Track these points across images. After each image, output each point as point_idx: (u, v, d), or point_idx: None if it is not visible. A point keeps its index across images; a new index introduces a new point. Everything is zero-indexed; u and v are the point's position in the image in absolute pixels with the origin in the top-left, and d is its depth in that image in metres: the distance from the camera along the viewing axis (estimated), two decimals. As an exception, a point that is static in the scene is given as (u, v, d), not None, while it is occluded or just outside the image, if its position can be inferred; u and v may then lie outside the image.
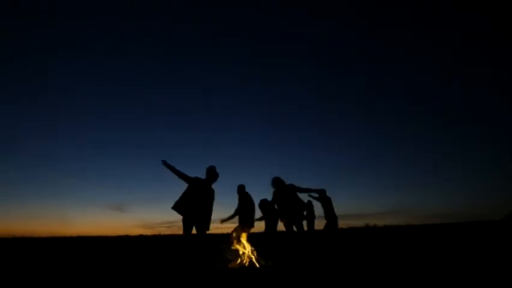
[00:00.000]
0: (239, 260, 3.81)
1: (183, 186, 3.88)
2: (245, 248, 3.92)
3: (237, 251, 3.91)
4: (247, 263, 3.73)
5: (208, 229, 3.74)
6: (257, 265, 3.68)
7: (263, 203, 5.80)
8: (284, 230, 5.01)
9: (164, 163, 3.80)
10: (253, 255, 3.85)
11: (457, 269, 2.95)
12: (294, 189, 4.85)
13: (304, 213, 5.49)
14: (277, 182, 4.90)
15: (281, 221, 5.12)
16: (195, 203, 3.67)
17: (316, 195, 6.47)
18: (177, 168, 3.85)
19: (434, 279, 2.50)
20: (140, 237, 21.84)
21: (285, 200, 4.75)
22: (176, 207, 3.72)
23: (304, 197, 5.41)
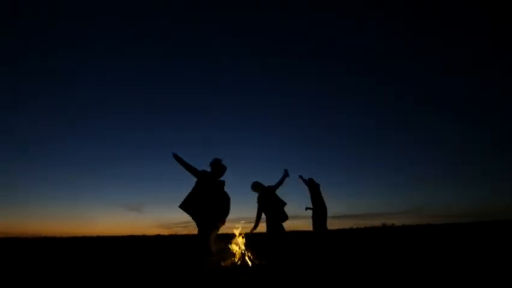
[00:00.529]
0: (232, 259, 3.85)
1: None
2: (239, 247, 3.93)
3: (231, 249, 3.96)
4: (239, 262, 3.76)
5: (216, 227, 3.66)
6: (250, 264, 3.67)
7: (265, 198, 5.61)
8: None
9: (175, 156, 3.82)
10: (247, 253, 3.85)
11: (473, 269, 2.86)
12: (272, 189, 4.93)
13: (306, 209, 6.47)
14: (258, 186, 4.88)
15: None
16: (203, 200, 3.59)
17: (305, 178, 6.60)
18: (188, 162, 3.85)
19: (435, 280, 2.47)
20: (157, 237, 24.60)
21: (270, 203, 4.81)
22: (184, 206, 3.67)
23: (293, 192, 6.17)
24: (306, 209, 7.30)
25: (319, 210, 6.53)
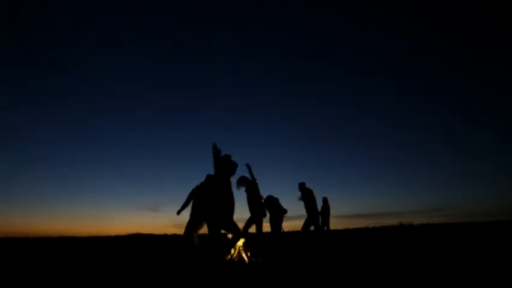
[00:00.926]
0: (229, 256, 3.87)
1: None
2: (237, 245, 3.92)
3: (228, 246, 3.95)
4: (236, 258, 3.79)
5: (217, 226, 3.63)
6: (246, 260, 3.69)
7: (269, 200, 5.85)
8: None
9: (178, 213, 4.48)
10: (244, 250, 3.84)
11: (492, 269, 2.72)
12: (255, 184, 4.96)
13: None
14: (245, 180, 4.92)
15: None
16: (217, 203, 3.61)
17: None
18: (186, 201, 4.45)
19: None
20: (173, 236, 25.19)
21: (255, 198, 4.82)
22: (202, 216, 4.00)
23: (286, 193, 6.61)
24: (299, 199, 7.37)
25: (312, 216, 6.72)
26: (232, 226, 3.64)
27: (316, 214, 6.98)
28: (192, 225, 4.44)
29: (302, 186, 7.12)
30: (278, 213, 5.89)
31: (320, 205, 9.15)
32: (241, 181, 4.86)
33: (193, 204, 4.52)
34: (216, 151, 3.75)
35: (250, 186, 4.94)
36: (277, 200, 6.04)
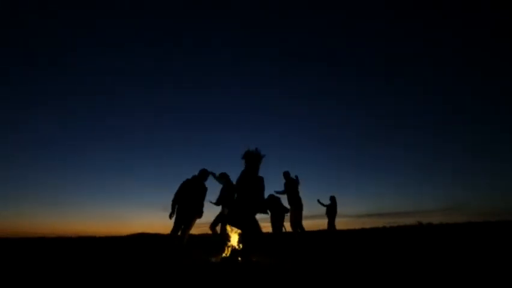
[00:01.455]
0: (223, 254, 3.88)
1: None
2: (231, 242, 3.94)
3: (223, 244, 4.00)
4: (230, 257, 3.77)
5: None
6: (239, 259, 3.67)
7: (271, 199, 5.84)
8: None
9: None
10: (238, 249, 3.82)
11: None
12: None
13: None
14: (226, 176, 5.04)
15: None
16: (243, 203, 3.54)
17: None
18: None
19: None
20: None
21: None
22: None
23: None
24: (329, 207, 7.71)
25: (295, 209, 6.25)
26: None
27: (298, 208, 6.40)
28: (189, 221, 4.59)
29: (287, 176, 6.51)
30: (279, 212, 5.91)
31: (324, 205, 9.15)
32: (221, 176, 5.11)
33: (186, 199, 4.58)
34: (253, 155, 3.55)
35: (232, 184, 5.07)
36: (278, 199, 6.07)
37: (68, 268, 3.52)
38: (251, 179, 3.42)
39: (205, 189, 4.82)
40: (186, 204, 4.54)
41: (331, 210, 9.18)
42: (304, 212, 6.12)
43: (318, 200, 9.21)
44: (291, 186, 6.31)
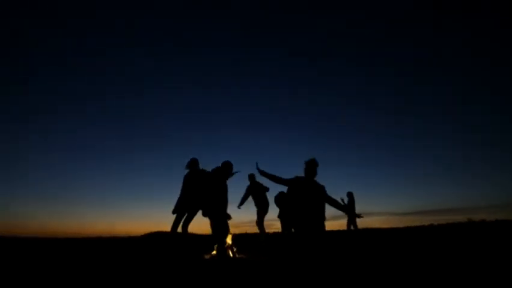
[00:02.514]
0: (214, 251, 4.01)
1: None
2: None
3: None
4: (222, 254, 3.93)
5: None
6: (231, 256, 3.87)
7: (280, 197, 5.67)
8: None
9: (260, 172, 3.95)
10: (230, 247, 3.98)
11: None
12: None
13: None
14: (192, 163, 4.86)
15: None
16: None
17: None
18: (272, 174, 3.88)
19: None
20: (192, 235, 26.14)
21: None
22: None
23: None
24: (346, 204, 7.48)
25: (260, 210, 6.56)
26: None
27: (263, 209, 6.62)
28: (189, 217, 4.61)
29: (251, 179, 6.74)
30: (288, 209, 5.49)
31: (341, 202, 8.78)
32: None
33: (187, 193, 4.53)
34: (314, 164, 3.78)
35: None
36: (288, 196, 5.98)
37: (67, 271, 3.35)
38: (313, 186, 3.71)
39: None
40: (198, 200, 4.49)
41: (349, 208, 8.78)
42: (332, 213, 6.74)
43: (340, 200, 8.87)
44: (256, 188, 6.72)
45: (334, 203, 3.82)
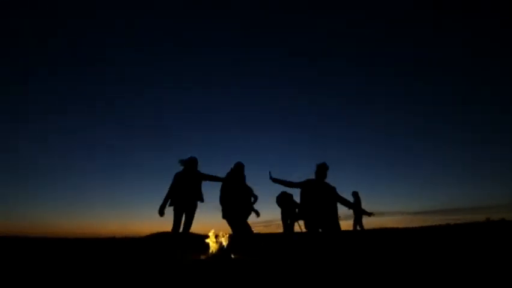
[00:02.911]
0: (210, 252, 4.17)
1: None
2: (220, 242, 4.22)
3: (212, 242, 4.26)
4: (218, 255, 4.06)
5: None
6: (225, 256, 3.89)
7: (283, 196, 5.66)
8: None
9: (272, 179, 4.06)
10: (225, 247, 4.04)
11: None
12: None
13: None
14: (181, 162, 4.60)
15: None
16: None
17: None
18: (286, 180, 4.02)
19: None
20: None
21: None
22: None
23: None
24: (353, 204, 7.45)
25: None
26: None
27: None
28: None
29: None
30: (290, 209, 5.67)
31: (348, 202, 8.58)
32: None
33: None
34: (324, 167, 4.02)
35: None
36: (291, 195, 5.79)
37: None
38: (325, 187, 3.93)
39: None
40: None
41: (356, 207, 8.23)
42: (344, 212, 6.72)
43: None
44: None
45: (345, 202, 4.01)
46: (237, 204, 4.10)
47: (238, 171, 4.33)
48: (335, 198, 3.93)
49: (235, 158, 4.97)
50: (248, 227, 4.15)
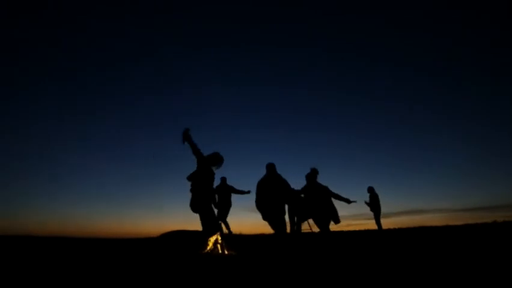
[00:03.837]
0: (207, 248, 4.13)
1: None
2: (215, 238, 4.19)
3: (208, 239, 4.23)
4: (213, 251, 4.09)
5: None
6: (220, 252, 3.98)
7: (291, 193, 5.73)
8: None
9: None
10: (220, 243, 4.06)
11: None
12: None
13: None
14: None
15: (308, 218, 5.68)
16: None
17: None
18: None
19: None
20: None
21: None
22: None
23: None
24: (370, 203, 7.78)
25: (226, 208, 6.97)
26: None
27: (224, 210, 7.11)
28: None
29: (222, 181, 7.29)
30: (297, 206, 5.76)
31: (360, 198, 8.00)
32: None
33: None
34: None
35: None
36: (298, 193, 5.75)
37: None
38: (318, 187, 5.15)
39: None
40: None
41: (374, 205, 8.10)
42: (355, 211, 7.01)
43: (366, 202, 8.34)
44: (223, 190, 7.20)
45: (338, 197, 5.02)
46: (201, 196, 3.91)
47: (269, 172, 4.75)
48: (328, 194, 4.94)
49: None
50: (213, 222, 4.07)
